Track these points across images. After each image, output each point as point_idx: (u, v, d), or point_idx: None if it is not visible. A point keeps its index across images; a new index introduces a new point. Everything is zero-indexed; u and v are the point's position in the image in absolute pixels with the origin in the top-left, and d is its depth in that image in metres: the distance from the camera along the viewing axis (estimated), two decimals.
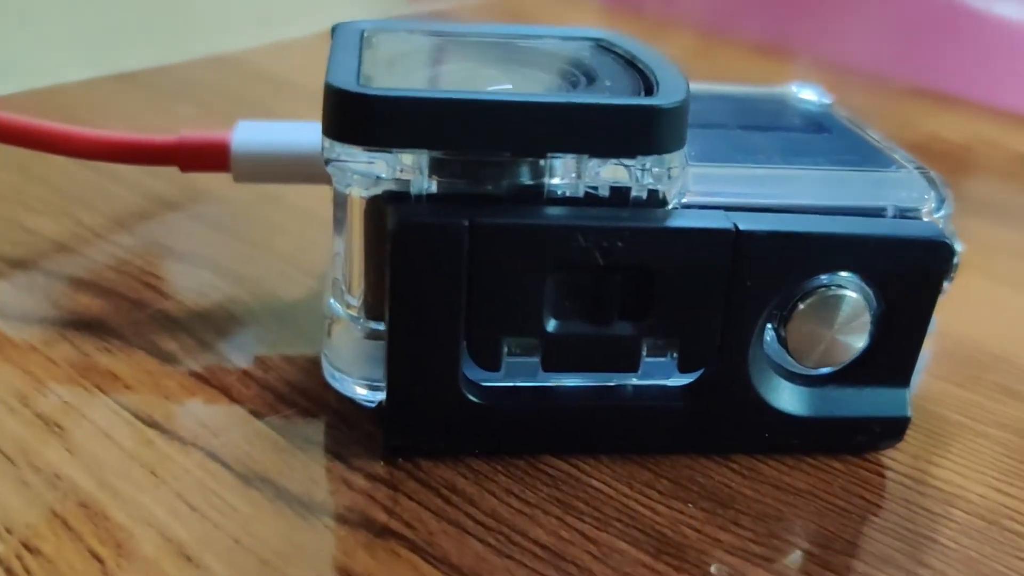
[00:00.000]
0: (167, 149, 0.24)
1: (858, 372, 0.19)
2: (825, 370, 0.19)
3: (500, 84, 0.18)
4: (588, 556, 0.17)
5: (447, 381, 0.18)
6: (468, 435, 0.18)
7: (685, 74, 0.18)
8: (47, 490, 0.17)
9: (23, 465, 0.18)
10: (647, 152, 0.17)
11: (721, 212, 0.17)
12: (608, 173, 0.17)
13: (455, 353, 0.17)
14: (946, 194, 0.19)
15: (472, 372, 0.18)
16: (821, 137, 0.21)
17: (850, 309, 0.18)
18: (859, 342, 0.19)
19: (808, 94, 0.24)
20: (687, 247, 0.17)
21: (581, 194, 0.17)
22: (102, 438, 0.19)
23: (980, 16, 0.47)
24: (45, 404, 0.19)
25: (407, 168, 0.17)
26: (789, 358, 0.19)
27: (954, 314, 0.20)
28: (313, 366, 0.21)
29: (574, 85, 0.18)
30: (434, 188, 0.17)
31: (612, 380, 0.19)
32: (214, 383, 0.20)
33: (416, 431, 0.18)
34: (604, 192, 0.17)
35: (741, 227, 0.17)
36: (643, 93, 0.18)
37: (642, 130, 0.17)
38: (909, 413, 0.19)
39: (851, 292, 0.18)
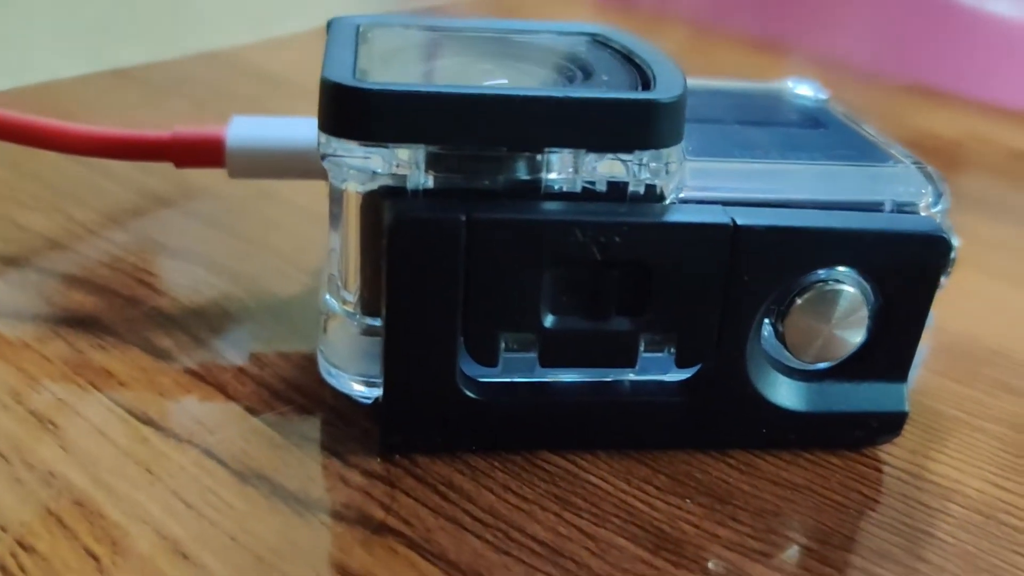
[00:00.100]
0: (161, 145, 0.23)
1: (856, 367, 0.19)
2: (823, 365, 0.19)
3: (496, 79, 0.18)
4: (586, 552, 0.17)
5: (444, 377, 0.18)
6: (465, 431, 0.18)
7: (682, 69, 0.18)
8: (41, 488, 0.17)
9: (17, 463, 0.18)
10: (645, 147, 0.17)
11: (719, 207, 0.17)
12: (605, 168, 0.17)
13: (452, 349, 0.17)
14: (943, 189, 0.19)
15: (469, 368, 0.18)
16: (818, 132, 0.21)
17: (848, 304, 0.18)
18: (857, 337, 0.18)
19: (804, 89, 0.24)
20: (685, 242, 0.17)
21: (578, 189, 0.17)
22: (96, 435, 0.18)
23: (973, 12, 0.47)
24: (39, 401, 0.19)
25: (403, 163, 0.17)
26: (787, 353, 0.19)
27: (950, 309, 0.19)
28: (309, 363, 0.21)
29: (570, 80, 0.18)
30: (430, 183, 0.17)
31: (609, 376, 0.19)
32: (209, 380, 0.20)
33: (413, 427, 0.18)
34: (601, 187, 0.17)
35: (739, 222, 0.17)
36: (640, 88, 0.17)
37: (640, 125, 0.17)
38: (907, 408, 0.19)
39: (849, 287, 0.18)
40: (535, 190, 0.17)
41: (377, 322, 0.18)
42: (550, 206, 0.17)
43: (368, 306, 0.18)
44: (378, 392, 0.19)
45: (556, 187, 0.17)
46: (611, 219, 0.17)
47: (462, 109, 0.16)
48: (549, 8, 0.53)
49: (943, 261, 0.18)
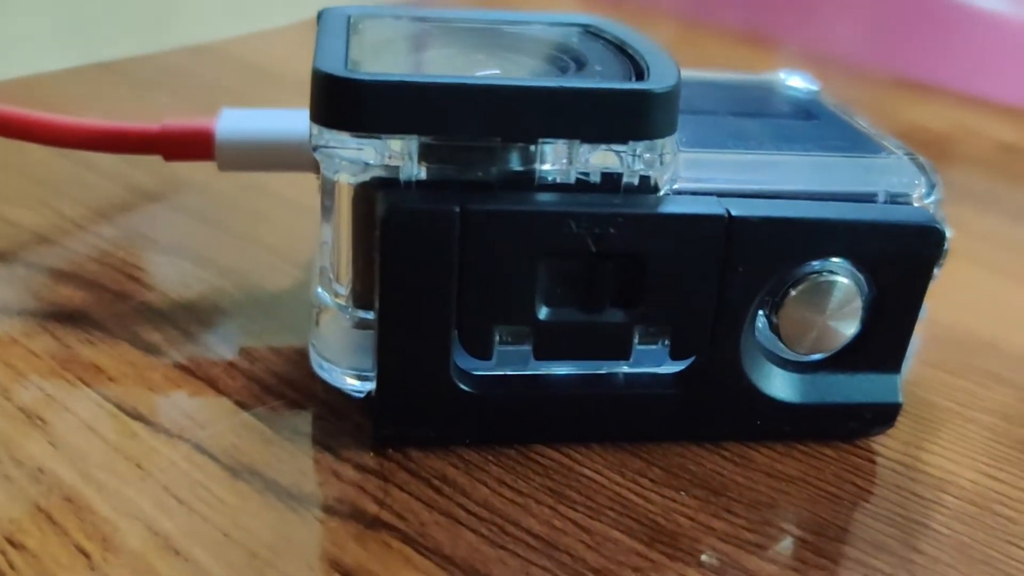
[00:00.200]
0: (150, 137, 0.23)
1: (849, 358, 0.19)
2: (817, 356, 0.19)
3: (488, 69, 0.18)
4: (581, 545, 0.17)
5: (438, 370, 0.17)
6: (459, 424, 0.18)
7: (675, 59, 0.18)
8: (30, 484, 0.17)
9: (5, 459, 0.17)
10: (639, 137, 0.17)
11: (713, 198, 0.17)
12: (598, 159, 0.17)
13: (446, 342, 0.17)
14: (936, 180, 0.19)
15: (463, 361, 0.18)
16: (810, 124, 0.21)
17: (842, 295, 0.18)
18: (850, 328, 0.18)
19: (796, 81, 0.24)
20: (680, 233, 0.17)
21: (572, 180, 0.17)
22: (86, 431, 0.18)
23: (960, 5, 0.48)
24: (27, 397, 0.19)
25: (395, 154, 0.17)
26: (781, 345, 0.19)
27: (941, 301, 0.19)
28: (300, 357, 0.21)
29: (564, 70, 0.18)
30: (423, 174, 0.17)
31: (603, 368, 0.19)
32: (199, 375, 0.20)
33: (406, 420, 0.18)
34: (596, 178, 0.17)
35: (734, 213, 0.17)
36: (634, 78, 0.17)
37: (634, 115, 0.16)
38: (900, 399, 0.19)
39: (842, 278, 0.18)
40: (529, 181, 0.17)
41: (370, 315, 0.18)
42: (544, 197, 0.17)
43: (360, 299, 0.18)
44: (370, 386, 0.19)
45: (550, 178, 0.17)
46: (605, 210, 0.17)
47: (455, 99, 0.16)
48: (537, 2, 0.53)
49: (937, 252, 0.18)
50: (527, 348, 0.18)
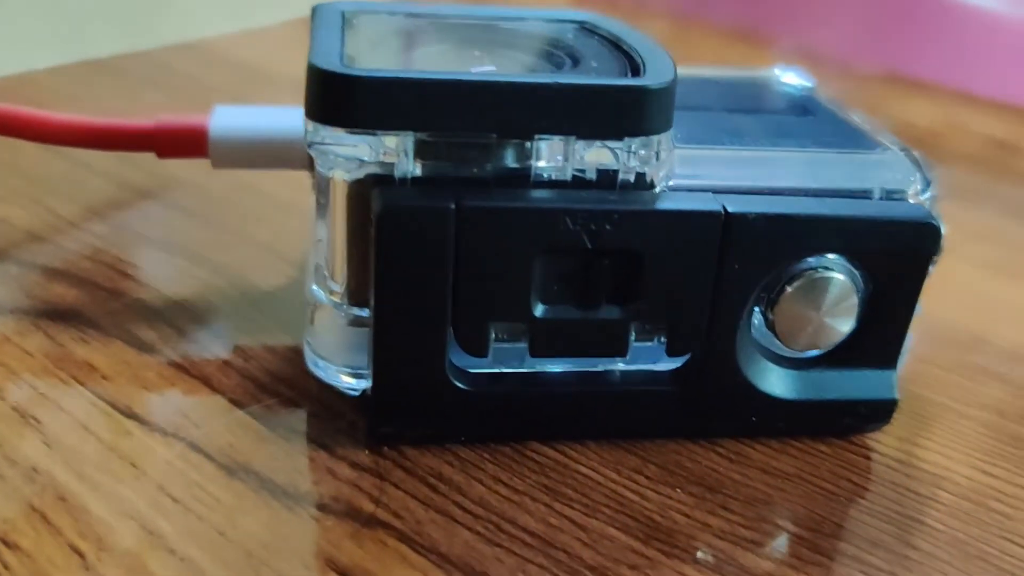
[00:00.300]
0: (144, 134, 0.23)
1: (845, 355, 0.19)
2: (812, 353, 0.19)
3: (484, 66, 0.18)
4: (578, 543, 0.17)
5: (433, 367, 0.17)
6: (455, 422, 0.18)
7: (671, 56, 0.18)
8: (24, 484, 0.17)
9: None
10: (635, 133, 0.17)
11: (709, 195, 0.17)
12: (593, 156, 0.17)
13: (441, 339, 0.17)
14: (931, 176, 0.19)
15: (459, 358, 0.18)
16: (805, 120, 0.21)
17: (838, 291, 0.18)
18: (846, 325, 0.18)
19: (790, 77, 0.24)
20: (676, 229, 0.17)
21: (568, 177, 0.17)
22: (80, 430, 0.18)
23: (949, 2, 0.48)
24: (20, 396, 0.19)
25: (390, 151, 0.17)
26: (777, 341, 0.19)
27: (934, 297, 0.20)
28: (294, 354, 0.21)
29: (559, 66, 0.18)
30: (418, 171, 0.17)
31: (599, 365, 0.19)
32: (194, 373, 0.20)
33: (402, 418, 0.18)
34: (591, 175, 0.17)
35: (730, 210, 0.17)
36: (630, 75, 0.17)
37: (630, 111, 0.16)
38: (896, 395, 0.19)
39: (838, 274, 0.18)
40: (525, 178, 0.17)
41: (365, 313, 0.18)
42: (540, 194, 0.17)
43: (355, 296, 0.18)
44: (365, 384, 0.19)
45: (546, 175, 0.17)
46: (601, 207, 0.17)
47: (451, 95, 0.16)
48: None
49: (933, 248, 0.18)
50: (523, 345, 0.18)
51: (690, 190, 0.18)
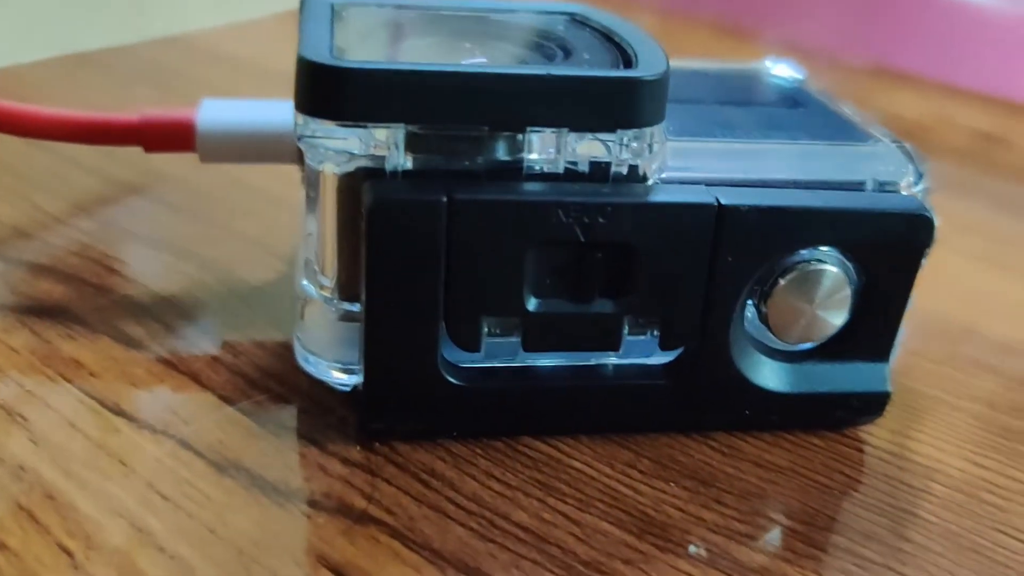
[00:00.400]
0: (130, 128, 0.23)
1: (838, 347, 0.19)
2: (805, 346, 0.19)
3: (475, 57, 0.18)
4: (572, 538, 0.17)
5: (425, 362, 0.17)
6: (447, 417, 0.18)
7: (663, 47, 0.18)
8: (12, 482, 0.17)
9: None
10: (628, 125, 0.17)
11: (702, 187, 0.17)
12: (585, 148, 0.17)
13: (433, 334, 0.17)
14: (924, 168, 0.19)
15: (451, 353, 0.18)
16: (797, 112, 0.21)
17: (831, 284, 0.18)
18: (839, 317, 0.18)
19: (781, 69, 0.24)
20: (669, 222, 0.17)
21: (560, 170, 0.17)
22: (67, 427, 0.18)
23: None
24: (7, 393, 0.19)
25: (381, 144, 0.16)
26: (770, 334, 0.19)
27: (925, 289, 0.19)
28: (284, 350, 0.20)
29: (551, 58, 0.18)
30: (409, 164, 0.17)
31: (592, 359, 0.18)
32: (182, 369, 0.20)
33: (394, 413, 0.18)
34: (584, 168, 0.17)
35: (723, 201, 0.17)
36: (622, 66, 0.17)
37: (623, 103, 0.16)
38: (889, 388, 0.19)
39: (831, 267, 0.18)
40: (516, 171, 0.17)
41: (355, 307, 0.18)
42: (532, 187, 0.17)
43: (346, 291, 0.18)
44: (356, 379, 0.18)
45: (537, 168, 0.17)
46: (594, 200, 0.17)
47: (442, 87, 0.16)
48: None
49: (926, 240, 0.18)
50: (516, 340, 0.18)
51: (683, 182, 0.17)
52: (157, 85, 0.36)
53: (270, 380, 0.20)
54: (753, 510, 0.18)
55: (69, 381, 0.19)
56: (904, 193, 0.18)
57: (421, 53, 0.19)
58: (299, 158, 0.19)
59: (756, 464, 0.19)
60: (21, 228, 0.25)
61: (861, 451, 0.19)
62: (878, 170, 0.19)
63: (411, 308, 0.17)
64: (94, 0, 0.39)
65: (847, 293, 0.18)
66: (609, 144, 0.17)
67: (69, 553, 0.15)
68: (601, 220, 0.17)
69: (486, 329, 0.17)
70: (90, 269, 0.23)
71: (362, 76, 0.16)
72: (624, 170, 0.17)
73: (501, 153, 0.17)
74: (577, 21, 0.20)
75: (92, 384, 0.19)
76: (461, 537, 0.16)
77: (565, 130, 0.17)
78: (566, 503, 0.17)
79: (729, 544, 0.17)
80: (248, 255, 0.24)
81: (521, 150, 0.17)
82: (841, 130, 0.20)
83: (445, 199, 0.16)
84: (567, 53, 0.18)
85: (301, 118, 0.16)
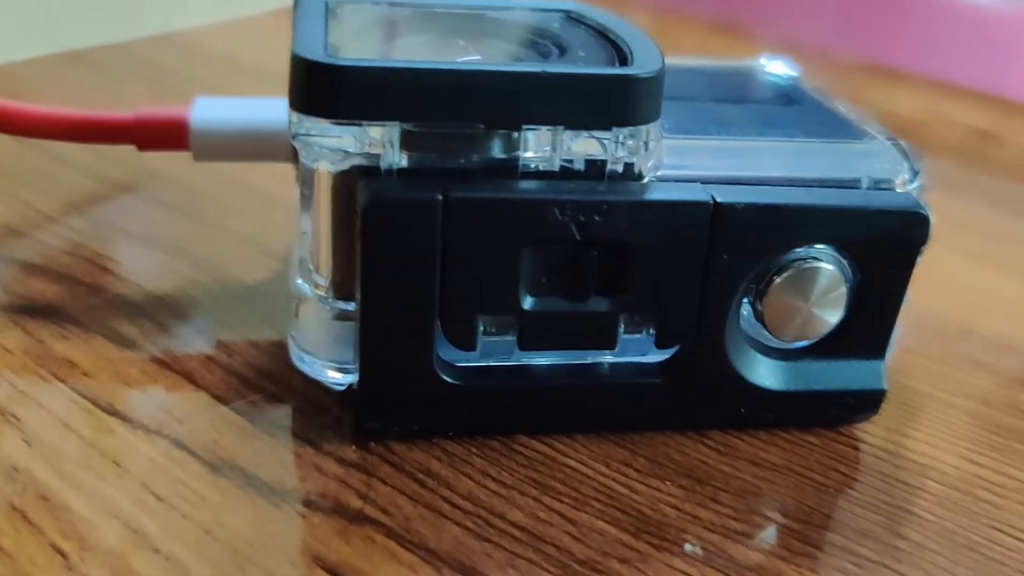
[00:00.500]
0: (123, 127, 0.23)
1: (834, 345, 0.19)
2: (801, 344, 0.19)
3: (470, 55, 0.18)
4: (567, 537, 0.17)
5: (420, 361, 0.17)
6: (442, 416, 0.18)
7: (659, 45, 0.18)
8: (5, 483, 0.16)
9: None
10: (623, 123, 0.16)
11: (698, 185, 0.17)
12: (581, 146, 0.17)
13: (429, 333, 0.17)
14: (919, 165, 0.19)
15: (446, 352, 0.18)
16: (792, 109, 0.21)
17: (826, 281, 0.18)
18: (835, 315, 0.18)
19: (776, 67, 0.24)
20: (665, 220, 0.17)
21: (556, 168, 0.17)
22: (61, 428, 0.18)
23: None
24: None
25: (376, 142, 0.16)
26: (765, 332, 0.19)
27: (920, 287, 0.20)
28: (278, 349, 0.20)
29: (546, 56, 0.18)
30: (404, 162, 0.17)
31: (588, 358, 0.18)
32: (176, 368, 0.20)
33: (389, 413, 0.18)
34: (579, 166, 0.17)
35: (719, 199, 0.17)
36: (617, 64, 0.17)
37: (618, 101, 0.16)
38: (884, 386, 0.19)
39: (827, 264, 0.18)
40: (512, 169, 0.17)
41: (350, 306, 0.18)
42: (528, 185, 0.17)
43: (341, 290, 0.18)
44: (351, 378, 0.18)
45: (533, 166, 0.17)
46: (590, 197, 0.16)
47: (437, 85, 0.16)
48: None
49: (922, 237, 0.18)
50: (511, 338, 0.18)
51: (678, 180, 0.17)
52: (150, 83, 0.36)
53: (265, 379, 0.20)
54: (749, 508, 0.18)
55: (62, 381, 0.19)
56: (899, 191, 0.18)
57: (416, 51, 0.19)
58: (293, 156, 0.19)
59: (752, 462, 0.19)
60: (13, 227, 0.25)
61: (857, 449, 0.19)
62: (873, 168, 0.19)
63: (406, 307, 0.17)
64: None
65: (843, 291, 0.18)
66: (605, 142, 0.17)
67: (63, 554, 0.15)
68: (597, 218, 0.16)
69: (482, 328, 0.17)
70: (83, 268, 0.23)
71: (357, 74, 0.15)
72: (620, 168, 0.17)
73: (496, 151, 0.17)
74: (572, 18, 0.20)
75: (85, 384, 0.19)
76: (457, 536, 0.16)
77: (561, 128, 0.17)
78: (562, 502, 0.17)
79: (725, 542, 0.17)
80: (242, 254, 0.24)
81: (517, 148, 0.17)
82: (836, 128, 0.20)
83: (441, 197, 0.16)
84: (562, 51, 0.18)
85: (295, 116, 0.16)
